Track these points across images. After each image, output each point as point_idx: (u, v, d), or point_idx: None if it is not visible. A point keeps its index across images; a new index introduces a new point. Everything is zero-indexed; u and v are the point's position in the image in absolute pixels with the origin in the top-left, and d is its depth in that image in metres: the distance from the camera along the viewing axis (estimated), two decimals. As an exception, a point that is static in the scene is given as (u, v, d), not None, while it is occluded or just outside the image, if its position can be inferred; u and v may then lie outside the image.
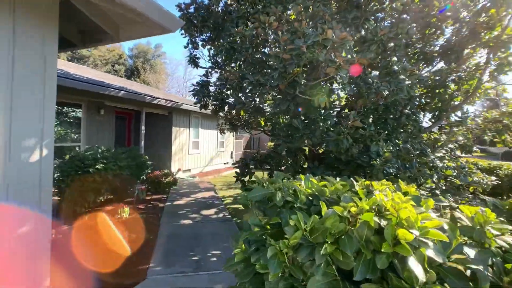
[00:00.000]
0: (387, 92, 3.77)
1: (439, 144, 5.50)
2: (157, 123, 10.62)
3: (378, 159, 3.52)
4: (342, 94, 4.39)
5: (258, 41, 4.41)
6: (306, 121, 3.74)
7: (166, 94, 14.25)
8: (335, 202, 1.44)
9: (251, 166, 5.06)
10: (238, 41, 5.25)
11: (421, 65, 5.76)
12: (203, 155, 12.58)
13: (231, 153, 15.90)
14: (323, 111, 3.57)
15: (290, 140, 3.72)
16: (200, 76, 7.39)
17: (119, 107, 8.17)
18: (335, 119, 3.69)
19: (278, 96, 3.93)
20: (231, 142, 15.83)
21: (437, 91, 5.59)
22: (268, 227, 1.48)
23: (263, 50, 4.38)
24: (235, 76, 4.11)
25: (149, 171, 7.08)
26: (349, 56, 3.27)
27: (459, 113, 6.00)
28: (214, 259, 3.61)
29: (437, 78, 5.47)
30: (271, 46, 3.62)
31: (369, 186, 1.79)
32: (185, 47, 7.14)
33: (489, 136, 6.34)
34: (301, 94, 3.37)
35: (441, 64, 5.96)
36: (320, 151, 5.02)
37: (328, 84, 3.37)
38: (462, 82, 5.49)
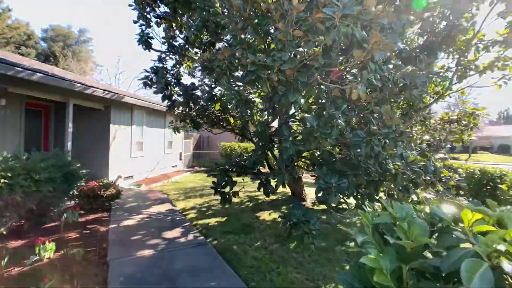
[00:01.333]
0: (401, 85, 3.32)
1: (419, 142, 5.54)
2: (89, 120, 8.44)
3: (400, 163, 3.03)
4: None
5: (248, 14, 3.45)
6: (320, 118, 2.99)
7: (102, 85, 11.74)
8: None
9: (232, 172, 4.07)
10: (212, 18, 4.17)
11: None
12: (149, 158, 10.73)
13: (180, 154, 14.23)
14: (343, 105, 2.87)
15: (301, 142, 2.91)
16: (154, 61, 5.97)
17: (32, 97, 5.99)
18: (356, 113, 3.03)
19: (280, 86, 3.06)
20: (180, 142, 14.16)
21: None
22: None
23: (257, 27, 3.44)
24: (224, 56, 3.05)
25: (82, 183, 5.30)
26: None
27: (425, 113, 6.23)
28: (204, 312, 2.53)
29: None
30: (277, 19, 2.73)
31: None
32: (135, 22, 5.61)
33: (444, 135, 6.80)
34: (324, 82, 2.60)
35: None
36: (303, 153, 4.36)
37: (365, 71, 2.69)
38: (435, 82, 5.64)
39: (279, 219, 5.76)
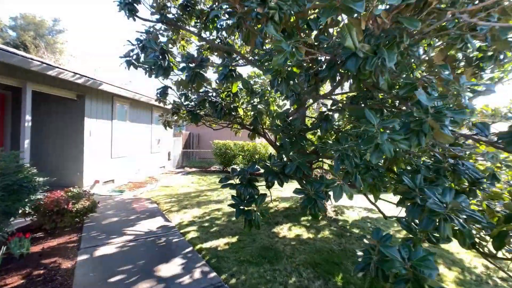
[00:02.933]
0: None
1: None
2: (58, 112, 6.86)
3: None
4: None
5: None
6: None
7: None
8: None
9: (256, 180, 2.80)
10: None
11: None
12: (133, 159, 9.21)
13: (169, 153, 12.73)
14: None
15: (405, 137, 1.69)
16: (141, 33, 4.60)
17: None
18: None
19: (361, 44, 1.81)
20: (169, 140, 12.65)
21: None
22: None
23: None
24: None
25: (39, 196, 3.82)
26: None
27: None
28: None
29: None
30: None
31: None
32: (113, -27, 4.18)
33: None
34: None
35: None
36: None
37: None
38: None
39: (305, 237, 4.57)
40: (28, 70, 4.69)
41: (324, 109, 3.48)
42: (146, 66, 4.34)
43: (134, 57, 4.37)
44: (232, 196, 2.75)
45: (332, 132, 3.86)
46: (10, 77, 4.75)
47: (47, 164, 6.75)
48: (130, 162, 8.99)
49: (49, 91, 5.67)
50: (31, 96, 5.17)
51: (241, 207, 2.67)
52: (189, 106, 5.10)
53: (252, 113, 4.84)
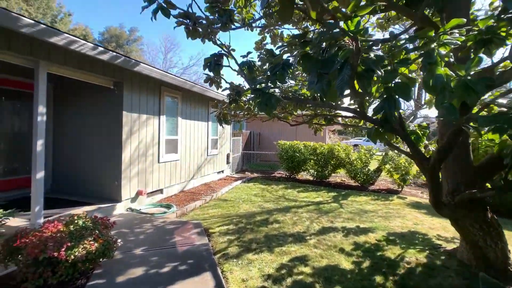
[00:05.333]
0: None
1: None
2: (88, 104, 5.54)
3: None
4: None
5: None
6: None
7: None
8: None
9: None
10: None
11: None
12: (186, 163, 7.61)
13: (228, 156, 10.99)
14: None
15: None
16: None
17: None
18: None
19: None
20: (227, 140, 10.92)
21: None
22: None
23: None
24: None
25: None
26: None
27: None
28: None
29: None
30: None
31: None
32: None
33: None
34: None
35: None
36: None
37: None
38: None
39: None
40: (40, 42, 3.17)
41: None
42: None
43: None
44: None
45: None
46: (16, 53, 3.31)
47: (79, 172, 5.50)
48: (183, 167, 7.40)
49: (72, 75, 4.22)
50: (46, 81, 3.72)
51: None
52: (258, 80, 2.82)
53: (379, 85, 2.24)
